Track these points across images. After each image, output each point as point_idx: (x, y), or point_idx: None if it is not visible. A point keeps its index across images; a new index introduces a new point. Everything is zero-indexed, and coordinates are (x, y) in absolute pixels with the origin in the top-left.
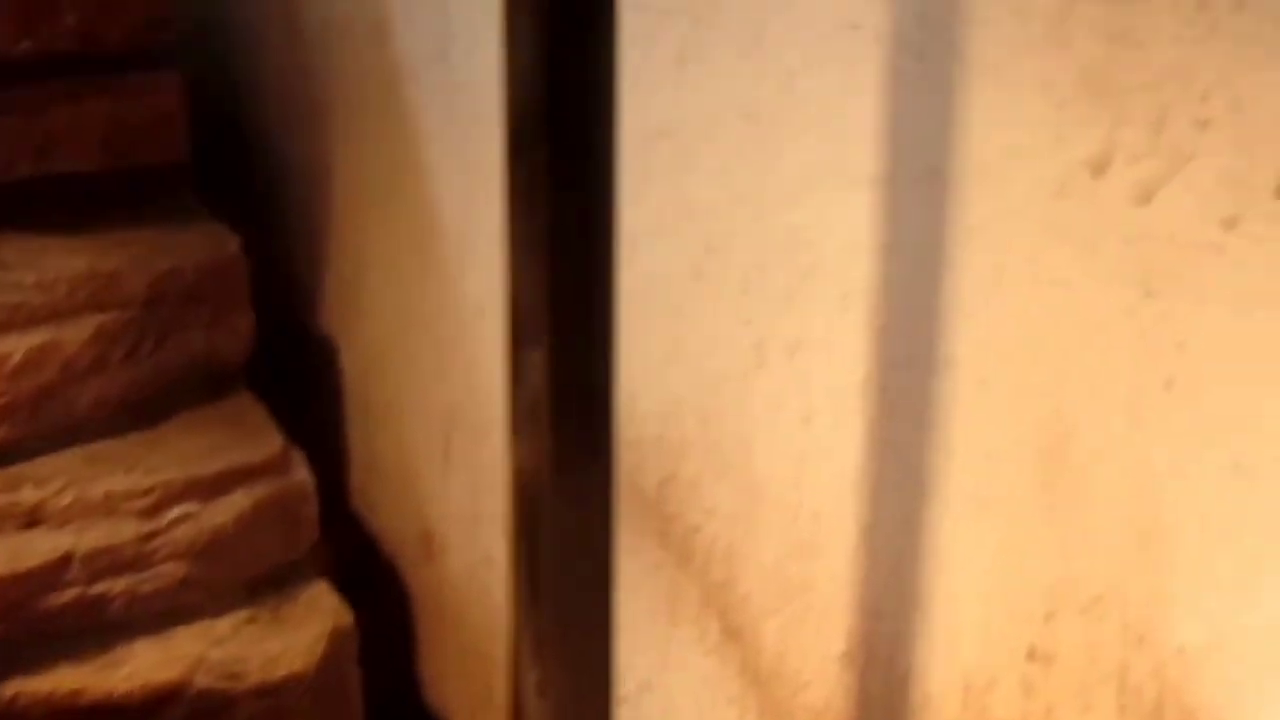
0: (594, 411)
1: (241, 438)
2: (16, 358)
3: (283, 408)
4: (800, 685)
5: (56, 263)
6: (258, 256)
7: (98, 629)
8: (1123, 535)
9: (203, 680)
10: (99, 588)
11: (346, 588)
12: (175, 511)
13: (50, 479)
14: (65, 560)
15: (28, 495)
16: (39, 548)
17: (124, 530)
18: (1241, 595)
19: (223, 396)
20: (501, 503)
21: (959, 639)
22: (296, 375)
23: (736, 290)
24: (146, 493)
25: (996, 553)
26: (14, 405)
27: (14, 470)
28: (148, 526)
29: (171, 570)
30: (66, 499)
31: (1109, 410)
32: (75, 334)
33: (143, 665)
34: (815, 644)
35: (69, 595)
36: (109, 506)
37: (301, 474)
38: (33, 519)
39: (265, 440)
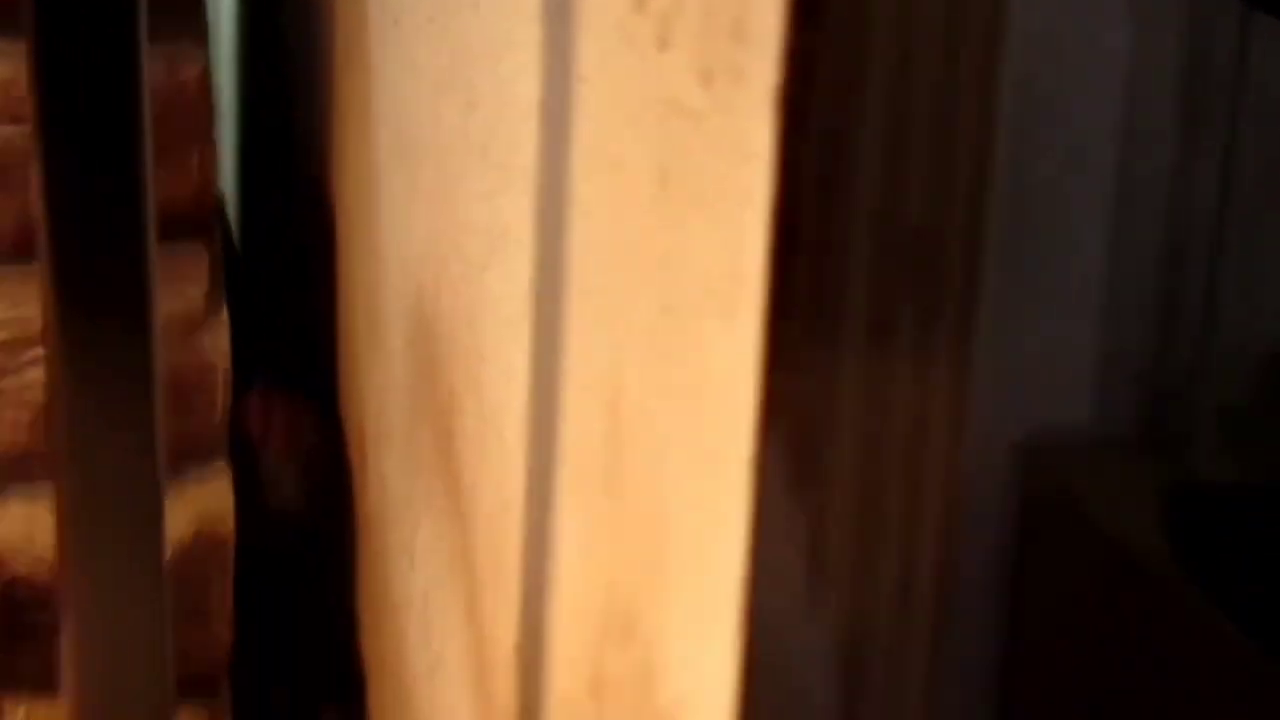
0: None
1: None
2: None
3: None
4: None
5: None
6: None
7: None
8: None
9: (20, 562)
10: None
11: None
12: (30, 354)
13: None
14: None
15: None
16: None
17: None
18: None
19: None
20: None
21: None
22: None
23: None
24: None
25: None
26: None
27: None
28: None
29: (14, 421)
30: None
31: None
32: None
33: None
34: None
35: None
36: None
37: (215, 345)
38: None
39: (179, 297)
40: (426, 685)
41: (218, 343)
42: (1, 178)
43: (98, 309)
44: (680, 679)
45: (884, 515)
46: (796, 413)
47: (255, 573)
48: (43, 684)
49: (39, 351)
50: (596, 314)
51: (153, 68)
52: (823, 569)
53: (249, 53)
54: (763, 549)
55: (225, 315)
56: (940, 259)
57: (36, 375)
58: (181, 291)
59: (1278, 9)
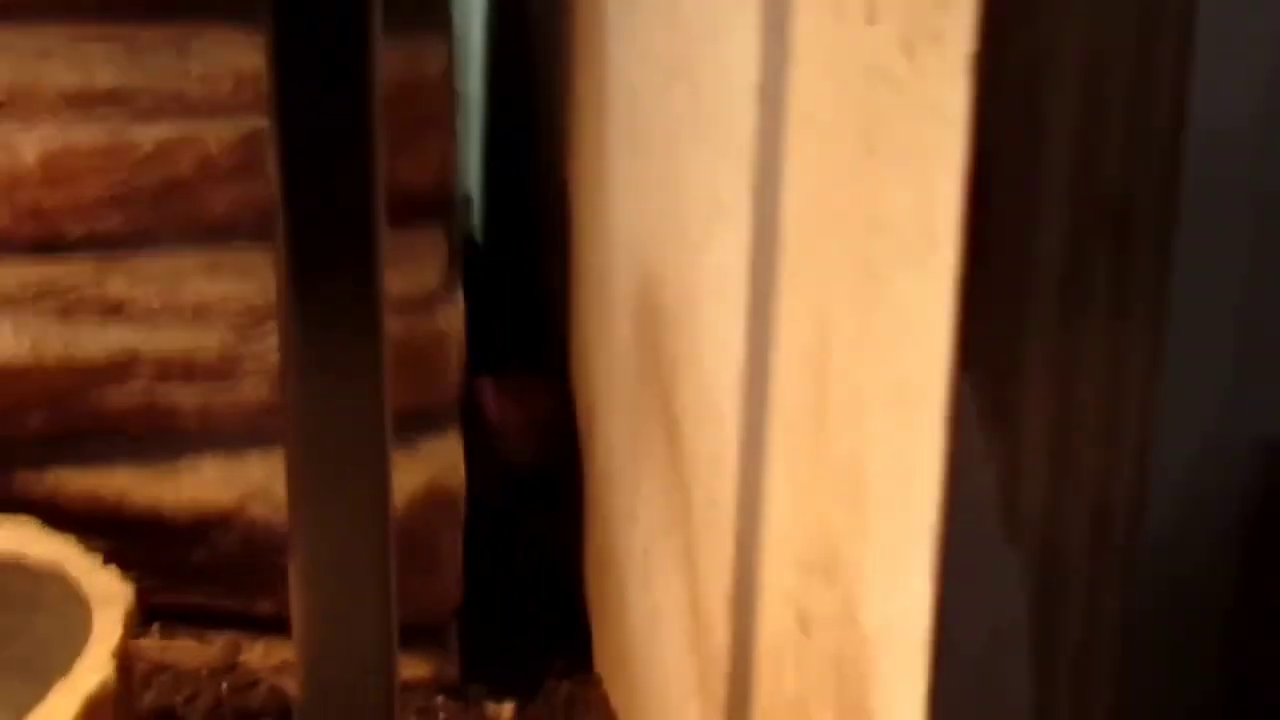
0: None
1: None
2: (147, 147)
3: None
4: None
5: (234, 57)
6: None
7: (163, 437)
8: None
9: (259, 510)
10: (169, 394)
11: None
12: (273, 328)
13: (149, 274)
14: (133, 359)
15: (115, 286)
16: (107, 340)
17: (208, 339)
18: None
19: (395, 226)
20: None
21: None
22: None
23: None
24: (244, 303)
25: None
26: (132, 195)
27: (117, 260)
28: (235, 340)
29: (252, 389)
30: (155, 297)
31: None
32: (224, 133)
33: (200, 483)
34: None
35: (134, 396)
36: (198, 311)
37: (449, 320)
38: (112, 310)
39: (417, 275)
40: (646, 632)
41: (452, 318)
42: (251, 165)
43: (327, 284)
44: (881, 611)
45: (1076, 457)
46: (989, 361)
47: (487, 530)
48: (279, 625)
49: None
50: (804, 279)
51: (396, 62)
52: (1016, 507)
53: (495, 49)
54: (957, 489)
55: (460, 294)
56: (1133, 217)
57: (273, 344)
58: (419, 271)
59: None
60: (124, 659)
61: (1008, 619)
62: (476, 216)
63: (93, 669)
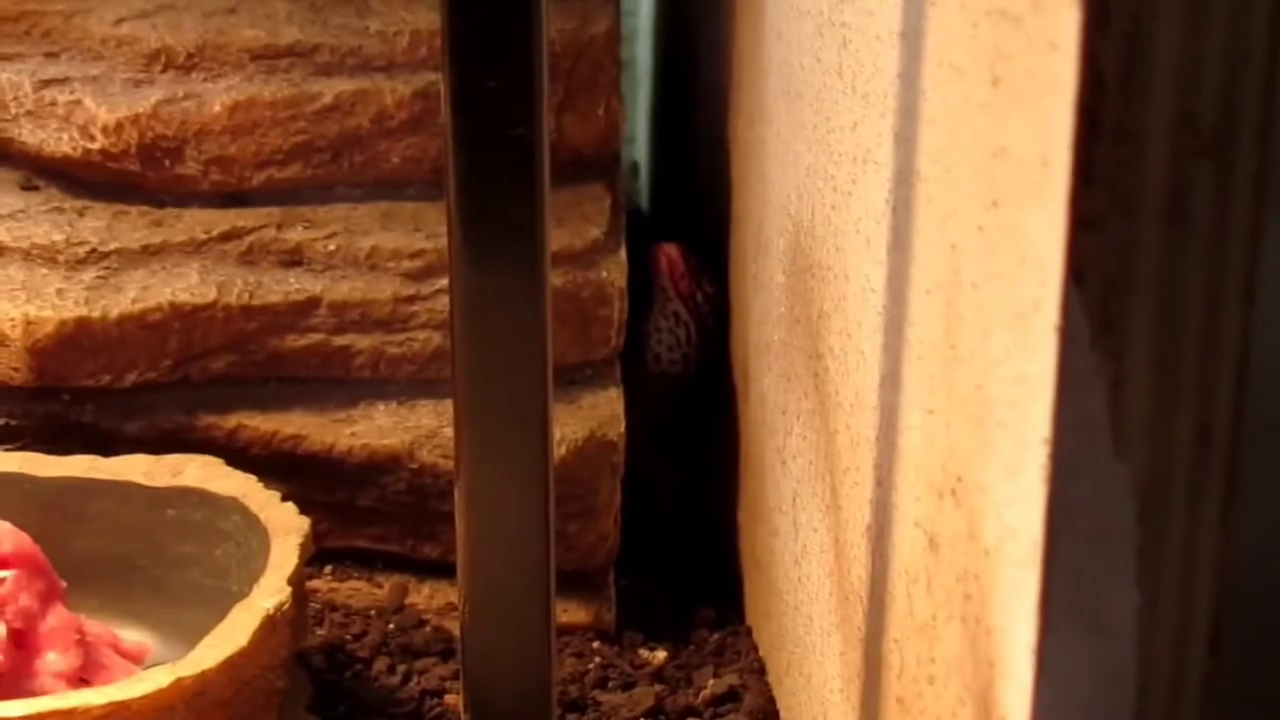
0: None
1: (554, 223)
2: (327, 99)
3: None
4: None
5: (410, 16)
6: None
7: (337, 383)
8: None
9: (427, 455)
10: (344, 340)
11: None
12: (444, 280)
13: (327, 223)
14: (312, 304)
15: (295, 234)
16: (287, 286)
17: (383, 287)
18: None
19: (561, 183)
20: None
21: None
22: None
23: None
24: (417, 254)
25: None
26: (312, 146)
27: (297, 210)
28: (409, 289)
29: (425, 339)
30: (332, 245)
31: None
32: (400, 87)
33: (372, 428)
34: None
35: (311, 341)
36: (373, 261)
37: (612, 273)
38: (292, 258)
39: (581, 230)
40: (793, 572)
41: (614, 271)
42: (424, 119)
43: (494, 236)
44: (999, 526)
45: (1180, 373)
46: (1097, 279)
47: (642, 483)
48: (445, 568)
49: (446, 280)
50: (938, 219)
51: (565, 25)
52: (1123, 421)
53: (664, 21)
54: (1067, 404)
55: (623, 249)
56: (1232, 142)
57: (445, 301)
58: (583, 226)
59: None
60: (299, 586)
61: (1115, 530)
62: (644, 185)
63: (270, 593)
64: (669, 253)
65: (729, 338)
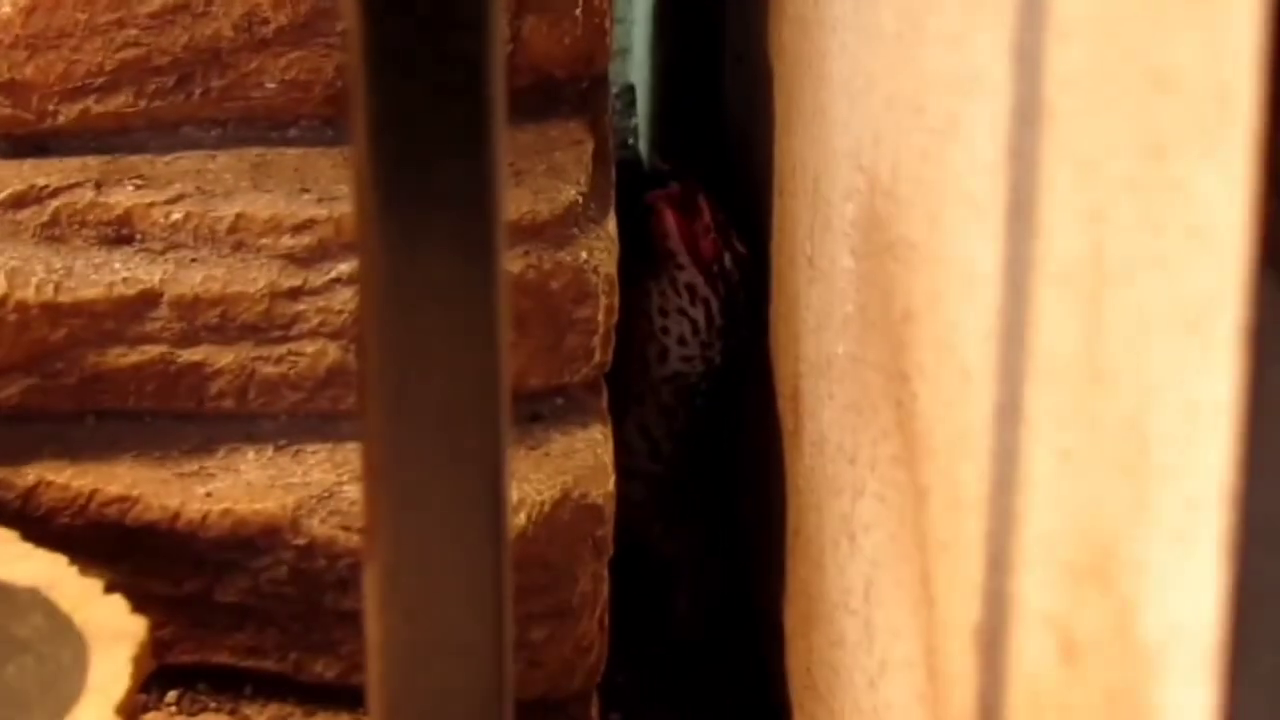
0: None
1: (514, 177)
2: None
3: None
4: None
5: None
6: None
7: (186, 419)
8: None
9: (319, 527)
10: (195, 355)
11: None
12: (345, 266)
13: (170, 180)
14: (148, 301)
15: (121, 196)
16: (110, 275)
17: (253, 276)
18: None
19: (522, 118)
20: None
21: None
22: None
23: None
24: (304, 227)
25: None
26: (147, 64)
27: (126, 160)
28: (293, 279)
29: (316, 353)
30: (178, 212)
31: None
32: None
33: (238, 486)
34: None
35: (146, 356)
36: (239, 236)
37: (595, 255)
38: (118, 233)
39: (551, 189)
40: (867, 700)
41: (599, 256)
42: (315, 25)
43: (424, 202)
44: (1163, 620)
45: None
46: None
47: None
48: (345, 695)
49: (349, 265)
50: (1074, 175)
51: None
52: None
53: None
54: (1259, 438)
55: (612, 218)
56: None
57: (347, 297)
58: (555, 185)
59: None
60: None
61: None
62: (641, 120)
63: None
64: (678, 198)
65: (769, 346)
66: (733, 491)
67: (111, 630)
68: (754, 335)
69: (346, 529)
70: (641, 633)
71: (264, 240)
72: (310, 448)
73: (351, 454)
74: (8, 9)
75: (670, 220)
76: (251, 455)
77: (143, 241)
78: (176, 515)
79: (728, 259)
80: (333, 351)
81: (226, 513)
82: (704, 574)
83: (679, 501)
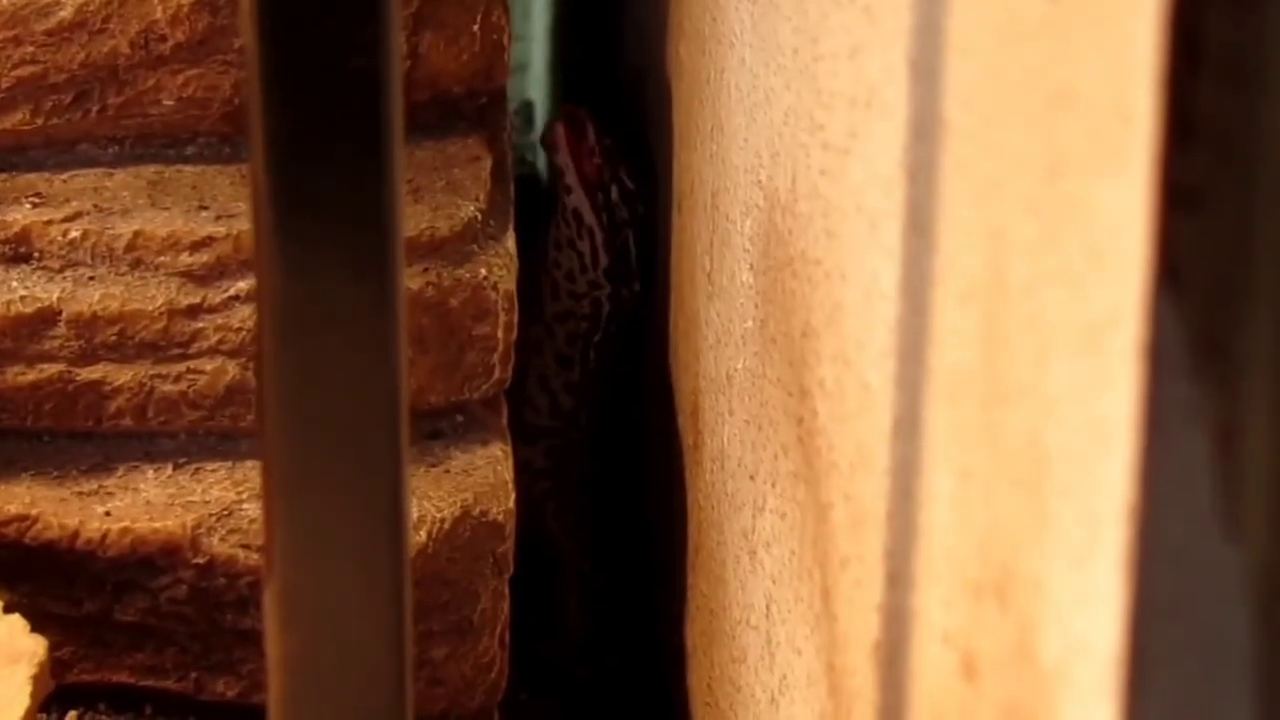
0: None
1: (412, 194)
2: (66, 10)
3: None
4: None
5: None
6: None
7: (84, 438)
8: None
9: (219, 545)
10: (93, 373)
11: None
12: (244, 283)
13: (67, 197)
14: (46, 319)
15: (18, 214)
16: (6, 294)
17: (151, 294)
18: None
19: (420, 134)
20: None
21: None
22: None
23: None
24: (202, 244)
25: None
26: (43, 81)
27: (22, 178)
28: (191, 296)
29: (215, 370)
30: (75, 230)
31: None
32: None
33: (137, 505)
34: None
35: (43, 374)
36: (137, 254)
37: (494, 271)
38: (15, 251)
39: (450, 206)
40: (769, 716)
41: (498, 272)
42: (213, 42)
43: (321, 219)
44: (1063, 639)
45: None
46: (1199, 281)
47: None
48: (247, 714)
49: (248, 283)
50: (973, 192)
51: None
52: (1235, 485)
53: None
54: (1157, 461)
55: (511, 233)
56: None
57: (246, 314)
58: (453, 199)
59: None
60: None
61: (1225, 641)
62: (540, 134)
63: None
64: (569, 116)
65: (669, 362)
66: (640, 511)
67: (10, 650)
68: (646, 301)
69: (246, 547)
70: (541, 649)
71: (162, 258)
72: (210, 466)
73: (251, 472)
74: None
75: (560, 133)
76: (151, 474)
77: (40, 259)
78: (75, 534)
79: (615, 192)
80: (232, 369)
81: (126, 531)
82: (594, 569)
83: (575, 472)
